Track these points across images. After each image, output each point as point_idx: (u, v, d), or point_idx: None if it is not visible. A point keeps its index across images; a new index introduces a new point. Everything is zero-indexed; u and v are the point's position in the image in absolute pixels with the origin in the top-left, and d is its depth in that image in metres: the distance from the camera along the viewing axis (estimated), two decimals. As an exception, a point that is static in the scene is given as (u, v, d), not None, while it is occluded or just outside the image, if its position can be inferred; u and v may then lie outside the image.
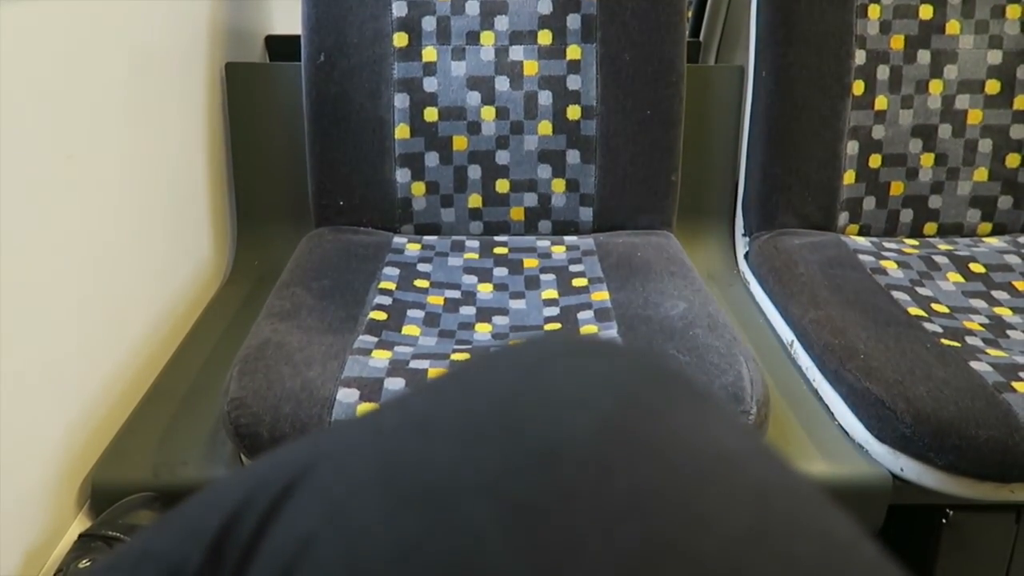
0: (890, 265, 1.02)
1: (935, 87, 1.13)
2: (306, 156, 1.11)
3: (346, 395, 0.73)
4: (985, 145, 1.13)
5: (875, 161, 1.14)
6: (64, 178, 0.75)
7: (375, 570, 0.23)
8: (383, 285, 0.94)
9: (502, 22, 1.10)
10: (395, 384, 0.74)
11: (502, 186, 1.12)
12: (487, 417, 0.27)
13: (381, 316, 0.88)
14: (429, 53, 1.10)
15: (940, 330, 0.88)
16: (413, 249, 1.06)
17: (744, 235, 1.18)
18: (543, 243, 1.09)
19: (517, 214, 1.13)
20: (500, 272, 1.01)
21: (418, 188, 1.11)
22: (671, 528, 0.23)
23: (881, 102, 1.13)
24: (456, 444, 0.26)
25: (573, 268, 1.01)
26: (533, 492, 0.24)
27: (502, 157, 1.11)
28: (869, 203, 1.15)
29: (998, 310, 0.94)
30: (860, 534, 0.25)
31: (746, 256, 1.16)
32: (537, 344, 0.31)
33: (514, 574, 0.22)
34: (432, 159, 1.11)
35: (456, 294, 0.95)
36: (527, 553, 0.22)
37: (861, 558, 0.24)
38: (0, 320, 0.64)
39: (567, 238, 1.10)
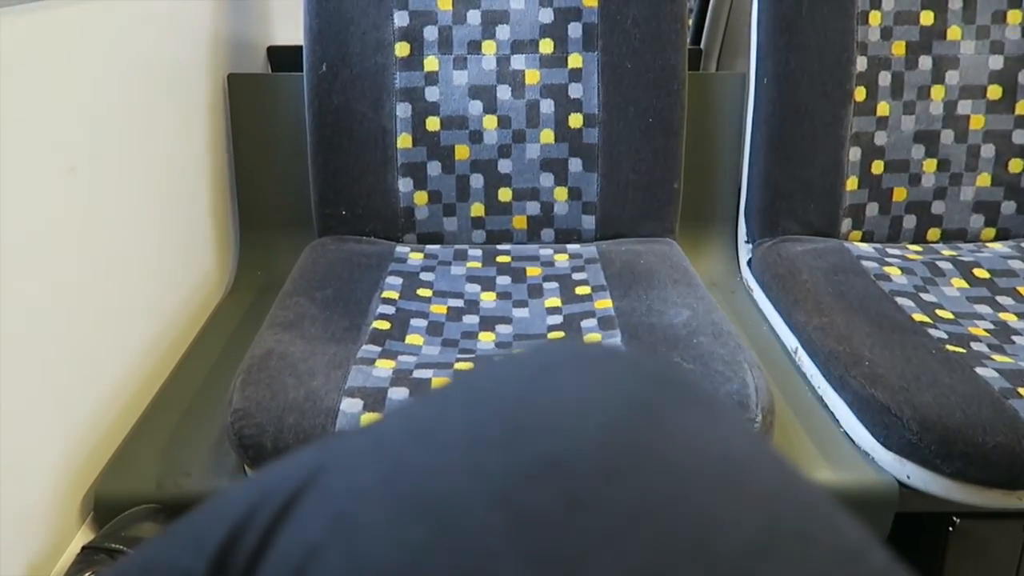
0: (894, 271, 1.02)
1: (937, 93, 1.13)
2: (308, 166, 1.11)
3: (350, 405, 0.73)
4: (988, 150, 1.13)
5: (878, 167, 1.14)
6: (66, 190, 0.75)
7: None
8: (386, 295, 0.94)
9: (503, 31, 1.10)
10: (399, 394, 0.74)
11: (504, 195, 1.12)
12: (492, 425, 0.27)
13: (384, 326, 0.87)
14: (431, 62, 1.10)
15: (945, 336, 0.87)
16: (416, 258, 1.05)
17: (747, 242, 1.17)
18: (546, 251, 1.08)
19: (520, 223, 1.13)
20: (503, 281, 1.00)
21: (420, 197, 1.11)
22: (680, 535, 0.23)
23: (883, 108, 1.13)
24: (461, 452, 0.26)
25: (576, 276, 1.00)
26: (539, 500, 0.24)
27: (504, 166, 1.11)
28: (872, 209, 1.14)
29: (1003, 316, 0.93)
30: (870, 540, 0.24)
31: (749, 263, 1.15)
32: (541, 352, 0.31)
33: None
34: (434, 168, 1.11)
35: (459, 303, 0.95)
36: (534, 562, 0.22)
37: (871, 565, 0.24)
38: (2, 333, 0.64)
39: (570, 246, 1.10)
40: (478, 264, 1.05)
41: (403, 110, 1.09)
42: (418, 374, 0.77)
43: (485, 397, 0.29)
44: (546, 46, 1.10)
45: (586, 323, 0.90)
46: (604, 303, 0.93)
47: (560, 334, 0.89)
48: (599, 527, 0.23)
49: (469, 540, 0.23)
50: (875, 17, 1.12)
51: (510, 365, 0.30)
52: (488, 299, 0.96)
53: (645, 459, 0.25)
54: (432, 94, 1.10)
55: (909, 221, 1.15)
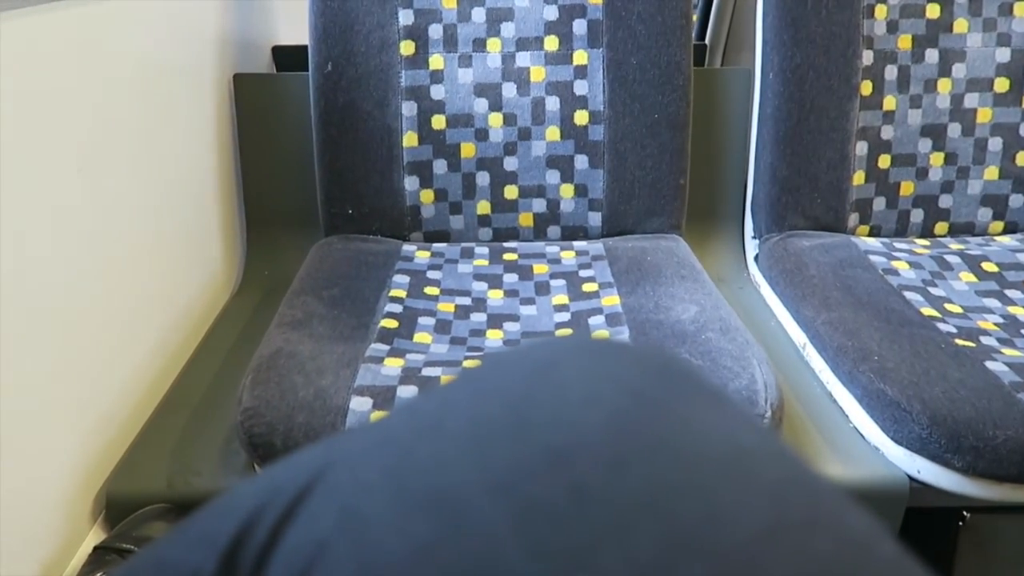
0: (902, 266, 1.01)
1: (944, 86, 1.13)
2: (315, 165, 1.11)
3: (359, 404, 0.73)
4: (995, 143, 1.13)
5: (884, 161, 1.13)
6: (74, 192, 0.75)
7: (389, 574, 0.23)
8: (393, 293, 0.94)
9: (508, 29, 1.10)
10: (408, 392, 0.74)
11: (511, 192, 1.12)
12: (497, 418, 0.27)
13: (392, 324, 0.88)
14: (436, 61, 1.10)
15: (954, 330, 0.87)
16: (423, 257, 1.06)
17: (754, 237, 1.17)
18: (552, 249, 1.08)
19: (526, 220, 1.13)
20: (510, 278, 1.00)
21: (427, 196, 1.11)
22: (688, 525, 0.23)
23: (889, 102, 1.13)
24: (467, 446, 0.26)
25: (583, 273, 1.00)
26: (546, 492, 0.24)
27: (510, 163, 1.11)
28: (879, 204, 1.14)
29: (1012, 309, 0.93)
30: (879, 531, 0.24)
31: (756, 259, 1.15)
32: (546, 346, 0.31)
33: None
34: (440, 166, 1.11)
35: (467, 301, 0.95)
36: (542, 554, 0.22)
37: (879, 555, 0.24)
38: (12, 334, 0.65)
39: (576, 243, 1.10)
40: (485, 262, 1.05)
41: (409, 109, 1.10)
42: (427, 372, 0.77)
43: (490, 391, 0.29)
44: (551, 43, 1.10)
45: (594, 320, 0.90)
46: (611, 300, 0.93)
47: (568, 331, 0.89)
48: (607, 518, 0.23)
49: (476, 533, 0.23)
50: (881, 10, 1.12)
51: (515, 359, 0.30)
52: (495, 297, 0.96)
53: (652, 450, 0.25)
54: (438, 92, 1.10)
55: (916, 215, 1.15)
